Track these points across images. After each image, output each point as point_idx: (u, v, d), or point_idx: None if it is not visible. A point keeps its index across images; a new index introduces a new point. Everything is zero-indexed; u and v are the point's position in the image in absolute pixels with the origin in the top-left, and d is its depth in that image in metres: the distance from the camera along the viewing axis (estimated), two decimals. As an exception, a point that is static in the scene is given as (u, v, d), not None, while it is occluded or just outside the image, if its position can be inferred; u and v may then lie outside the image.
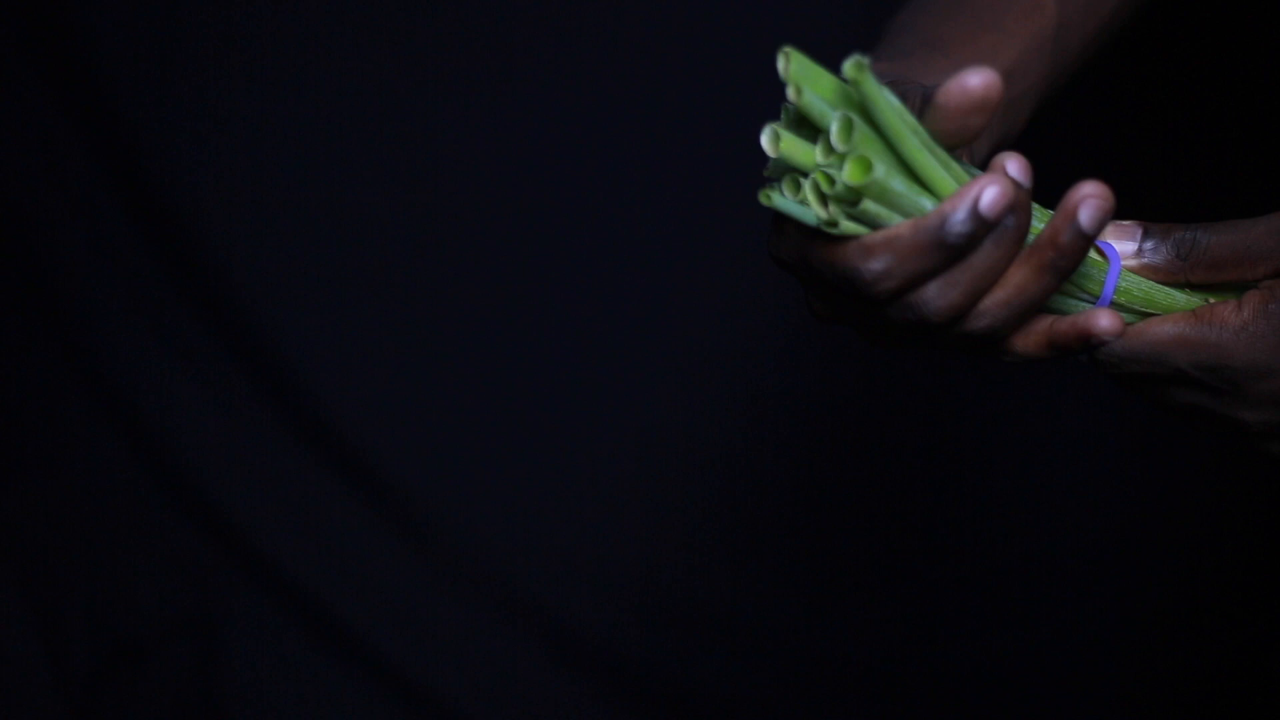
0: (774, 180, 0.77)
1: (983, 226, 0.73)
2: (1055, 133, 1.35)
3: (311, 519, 1.63)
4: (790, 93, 0.74)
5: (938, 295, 0.75)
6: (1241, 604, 1.56)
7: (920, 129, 0.75)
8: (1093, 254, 0.80)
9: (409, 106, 1.58)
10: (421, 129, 1.58)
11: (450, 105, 1.58)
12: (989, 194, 0.73)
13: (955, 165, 0.76)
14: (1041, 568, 1.58)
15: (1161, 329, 0.80)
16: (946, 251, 0.74)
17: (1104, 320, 0.78)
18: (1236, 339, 0.79)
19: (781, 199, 0.75)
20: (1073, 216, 0.74)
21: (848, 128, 0.73)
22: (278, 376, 1.62)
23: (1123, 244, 0.82)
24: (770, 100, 0.88)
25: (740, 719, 1.61)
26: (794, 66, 0.73)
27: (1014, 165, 0.75)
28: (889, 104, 0.73)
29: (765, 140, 0.75)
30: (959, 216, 0.73)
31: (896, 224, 0.74)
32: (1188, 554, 1.57)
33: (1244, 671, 1.55)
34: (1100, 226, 0.75)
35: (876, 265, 0.74)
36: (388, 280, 1.61)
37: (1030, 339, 0.80)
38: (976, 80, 0.73)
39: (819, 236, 0.75)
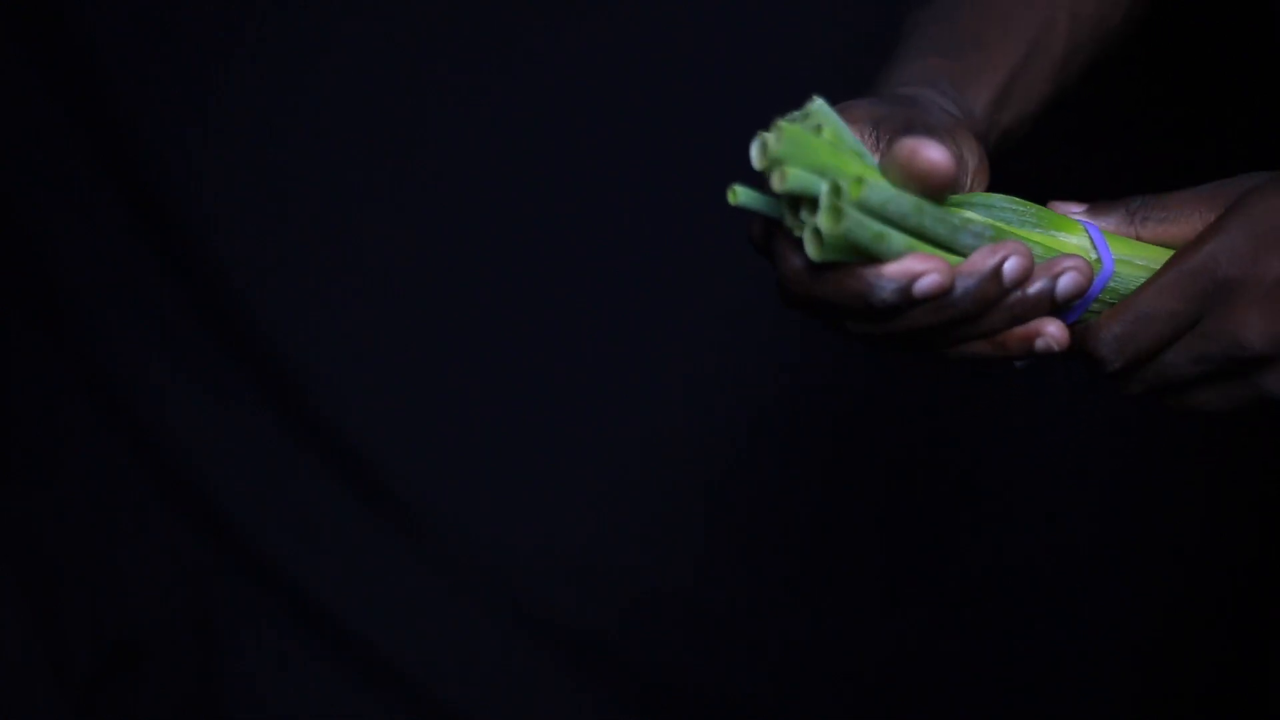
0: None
1: (909, 302, 0.75)
2: (1055, 132, 1.36)
3: (311, 519, 1.63)
4: (774, 181, 0.73)
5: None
6: (1242, 604, 1.56)
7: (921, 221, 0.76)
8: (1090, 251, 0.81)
9: (414, 108, 1.58)
10: (426, 130, 1.58)
11: (456, 106, 1.58)
12: (924, 281, 0.75)
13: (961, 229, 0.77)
14: (1042, 568, 1.58)
15: (1143, 290, 0.81)
16: (876, 308, 0.76)
17: (1051, 327, 0.78)
18: (1216, 247, 0.80)
19: (747, 194, 0.76)
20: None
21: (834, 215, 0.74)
22: (279, 377, 1.62)
23: (1067, 207, 0.83)
24: (774, 104, 0.88)
25: (739, 719, 1.61)
26: (785, 147, 0.73)
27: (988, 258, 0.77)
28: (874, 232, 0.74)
29: (754, 153, 0.75)
30: (887, 289, 0.75)
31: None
32: (1188, 554, 1.57)
33: (1245, 672, 1.55)
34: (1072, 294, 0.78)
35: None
36: (389, 281, 1.61)
37: (972, 345, 0.81)
38: (929, 157, 0.75)
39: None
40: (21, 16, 1.59)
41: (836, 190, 0.73)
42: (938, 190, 0.75)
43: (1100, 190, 0.91)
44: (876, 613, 1.59)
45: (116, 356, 1.63)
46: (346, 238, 1.61)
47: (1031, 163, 0.93)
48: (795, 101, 0.78)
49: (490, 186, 1.59)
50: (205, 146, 1.59)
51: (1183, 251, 0.81)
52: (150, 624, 1.64)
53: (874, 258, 0.75)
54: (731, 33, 1.54)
